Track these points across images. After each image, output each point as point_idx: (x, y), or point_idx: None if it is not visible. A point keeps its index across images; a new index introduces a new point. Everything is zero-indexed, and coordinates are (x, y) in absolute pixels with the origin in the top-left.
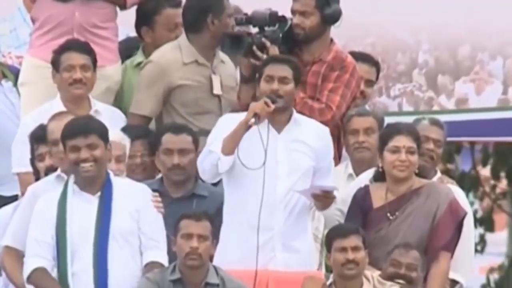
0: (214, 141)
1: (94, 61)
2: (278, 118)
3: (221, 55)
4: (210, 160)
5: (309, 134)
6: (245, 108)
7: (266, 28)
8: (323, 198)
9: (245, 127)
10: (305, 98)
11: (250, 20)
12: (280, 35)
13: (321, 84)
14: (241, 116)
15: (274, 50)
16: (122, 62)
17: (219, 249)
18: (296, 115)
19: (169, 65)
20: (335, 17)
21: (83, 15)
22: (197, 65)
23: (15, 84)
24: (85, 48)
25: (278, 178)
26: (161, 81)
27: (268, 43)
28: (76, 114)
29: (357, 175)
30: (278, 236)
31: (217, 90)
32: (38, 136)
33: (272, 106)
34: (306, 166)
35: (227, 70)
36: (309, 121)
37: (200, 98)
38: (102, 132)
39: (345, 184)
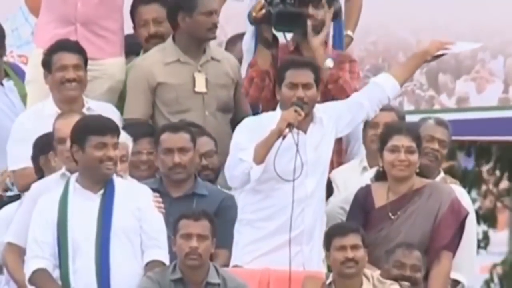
0: (242, 146)
1: (85, 60)
2: (303, 120)
3: (214, 53)
4: (241, 169)
5: (326, 122)
6: (253, 100)
7: None
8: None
9: (278, 136)
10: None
11: None
12: None
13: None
14: (266, 118)
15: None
16: (127, 57)
17: (241, 249)
18: (314, 112)
19: (149, 66)
20: (337, 14)
21: (86, 6)
22: (179, 64)
23: (17, 84)
24: (76, 48)
25: (307, 176)
26: (143, 82)
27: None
28: (70, 113)
29: (371, 167)
30: (307, 230)
31: (199, 87)
32: None
33: (303, 114)
34: (329, 156)
35: (218, 68)
36: (320, 109)
37: (180, 97)
38: (119, 134)
39: (360, 177)
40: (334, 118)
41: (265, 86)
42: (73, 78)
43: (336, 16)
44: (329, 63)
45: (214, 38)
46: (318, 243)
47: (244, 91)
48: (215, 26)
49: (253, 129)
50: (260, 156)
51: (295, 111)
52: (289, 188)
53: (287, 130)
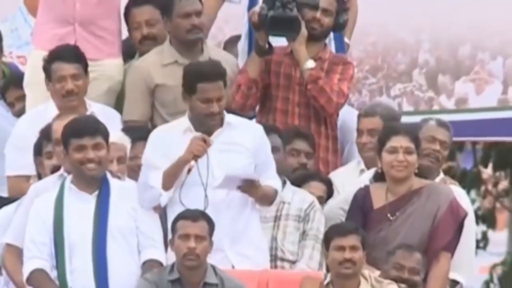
0: (150, 163)
1: (85, 66)
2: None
3: (212, 54)
4: (150, 195)
5: (242, 135)
6: (238, 107)
7: None
8: (248, 188)
9: (184, 166)
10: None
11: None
12: None
13: (325, 76)
14: (172, 128)
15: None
16: (125, 60)
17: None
18: (228, 118)
19: (147, 67)
20: (343, 27)
21: (84, 7)
22: (177, 66)
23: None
24: (75, 56)
25: (214, 179)
26: (141, 84)
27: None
28: (68, 114)
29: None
30: (226, 236)
31: None
32: (48, 134)
33: (210, 142)
34: (241, 165)
35: None
36: (242, 122)
37: (178, 98)
38: (106, 133)
39: (357, 179)
40: (257, 153)
41: (252, 95)
42: (71, 90)
43: (342, 28)
44: (310, 64)
45: (197, 39)
46: (255, 243)
47: (231, 95)
48: (194, 27)
49: (160, 142)
50: (168, 184)
51: (203, 139)
52: (199, 194)
53: (193, 162)
